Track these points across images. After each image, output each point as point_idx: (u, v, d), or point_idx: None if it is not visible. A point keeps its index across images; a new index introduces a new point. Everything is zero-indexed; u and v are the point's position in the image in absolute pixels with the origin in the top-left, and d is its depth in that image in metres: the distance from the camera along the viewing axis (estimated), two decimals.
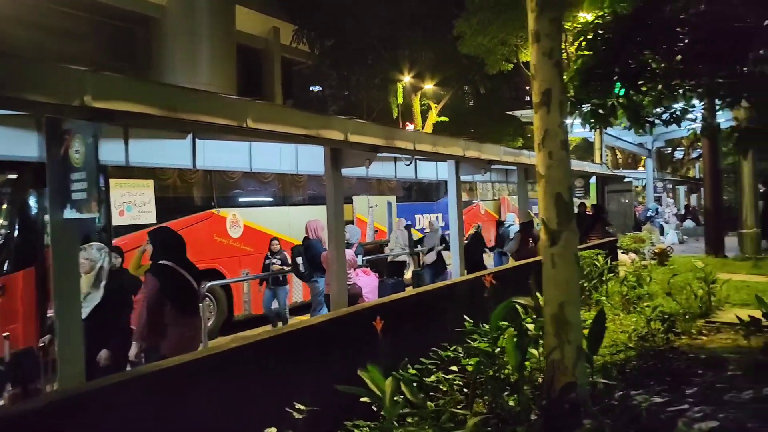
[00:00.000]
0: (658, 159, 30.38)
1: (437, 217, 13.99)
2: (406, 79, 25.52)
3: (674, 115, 5.71)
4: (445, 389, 3.91)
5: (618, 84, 4.74)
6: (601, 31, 4.40)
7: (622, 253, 10.61)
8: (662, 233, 17.14)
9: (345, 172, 6.12)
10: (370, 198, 11.87)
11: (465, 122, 27.88)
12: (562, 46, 4.83)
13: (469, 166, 8.07)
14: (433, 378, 3.90)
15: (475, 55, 20.11)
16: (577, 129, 17.29)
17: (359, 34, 23.52)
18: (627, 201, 12.83)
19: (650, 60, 4.47)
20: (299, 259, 7.58)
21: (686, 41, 4.07)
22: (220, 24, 19.21)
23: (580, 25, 4.72)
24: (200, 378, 2.80)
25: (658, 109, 5.77)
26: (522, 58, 19.28)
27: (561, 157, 3.50)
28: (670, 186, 20.54)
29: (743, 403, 3.11)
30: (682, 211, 21.52)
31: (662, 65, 4.39)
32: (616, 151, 22.65)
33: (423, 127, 27.52)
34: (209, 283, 7.26)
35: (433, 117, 27.71)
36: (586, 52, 4.53)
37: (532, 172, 10.06)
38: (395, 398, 2.92)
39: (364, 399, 3.01)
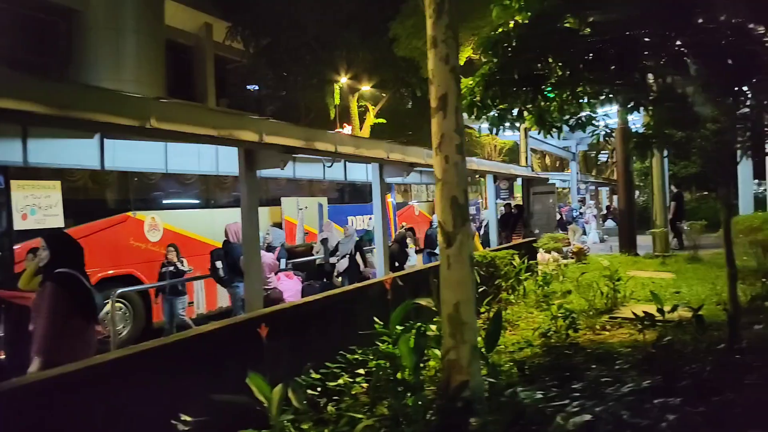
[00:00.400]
0: (584, 162, 31.83)
1: (370, 219, 14.05)
2: (344, 80, 25.48)
3: (579, 121, 5.98)
4: (354, 392, 3.92)
5: (523, 89, 4.89)
6: (504, 38, 4.53)
7: (545, 252, 10.98)
8: (585, 233, 17.95)
9: (272, 172, 6.04)
10: (299, 200, 11.76)
11: (403, 124, 28.12)
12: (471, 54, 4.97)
13: (393, 168, 8.13)
14: (341, 381, 3.90)
15: (411, 58, 20.33)
16: (507, 132, 17.84)
17: (295, 34, 23.26)
18: (551, 202, 13.34)
19: (551, 66, 4.63)
20: (219, 263, 7.40)
21: (582, 50, 4.24)
22: (147, 18, 18.45)
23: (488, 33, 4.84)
24: (75, 392, 2.66)
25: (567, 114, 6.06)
26: (462, 62, 19.65)
27: (456, 161, 3.57)
28: (593, 188, 21.55)
29: (622, 396, 3.28)
30: (605, 212, 22.66)
31: (561, 72, 4.56)
32: (545, 154, 23.58)
33: (361, 128, 27.58)
34: (121, 290, 6.96)
35: (370, 119, 27.80)
36: (490, 58, 4.65)
37: None
38: (285, 405, 2.88)
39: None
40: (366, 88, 26.01)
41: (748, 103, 5.48)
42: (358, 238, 9.77)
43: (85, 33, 17.38)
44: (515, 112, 5.32)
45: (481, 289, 6.62)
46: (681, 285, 7.63)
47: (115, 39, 17.49)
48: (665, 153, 13.28)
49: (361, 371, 3.99)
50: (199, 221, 9.09)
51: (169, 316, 7.78)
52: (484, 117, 5.02)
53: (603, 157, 35.17)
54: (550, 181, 13.60)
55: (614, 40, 4.20)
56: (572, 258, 10.39)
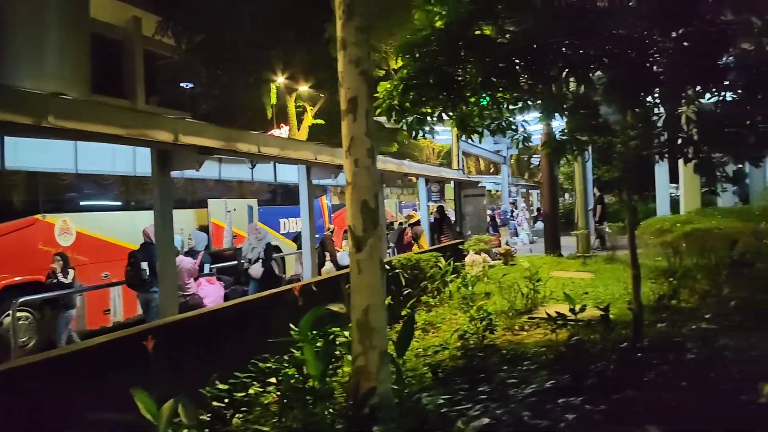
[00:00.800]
0: (516, 165, 32.86)
1: (297, 222, 13.85)
2: (280, 80, 25.08)
3: (500, 126, 6.09)
4: (266, 402, 3.80)
5: (443, 94, 4.91)
6: (422, 43, 4.54)
7: (476, 253, 11.18)
8: (517, 234, 18.51)
9: (198, 173, 5.82)
10: (227, 201, 11.43)
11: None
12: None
13: (321, 170, 8.02)
14: (251, 391, 3.76)
15: None
16: (440, 136, 18.03)
17: (230, 31, 22.66)
18: (484, 204, 13.62)
19: (469, 72, 4.67)
20: (144, 264, 6.98)
21: (495, 57, 4.30)
22: (71, 11, 17.39)
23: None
24: None
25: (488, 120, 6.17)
26: (393, 66, 19.75)
27: (367, 165, 3.53)
28: (524, 190, 22.28)
29: (526, 397, 3.33)
30: (535, 213, 23.50)
31: (476, 79, 4.62)
32: (479, 158, 24.14)
33: (299, 129, 27.24)
34: (23, 299, 6.50)
35: (308, 119, 27.50)
36: (408, 62, 4.65)
37: (388, 177, 10.34)
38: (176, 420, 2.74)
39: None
40: (304, 88, 25.71)
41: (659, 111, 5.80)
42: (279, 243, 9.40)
43: (4, 26, 16.17)
44: (436, 116, 5.36)
45: (405, 292, 6.64)
46: (598, 284, 7.94)
47: (37, 33, 16.37)
48: (587, 158, 13.92)
49: (274, 380, 3.87)
50: (117, 224, 8.65)
51: (61, 329, 7.23)
52: (403, 121, 5.00)
53: (536, 161, 36.46)
54: (481, 184, 13.95)
55: (525, 48, 4.29)
56: (500, 259, 10.63)
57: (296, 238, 13.29)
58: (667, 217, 8.45)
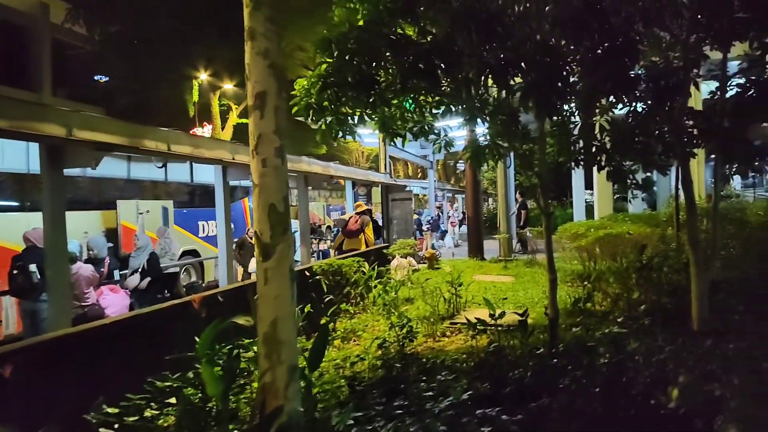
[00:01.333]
0: (444, 171, 33.44)
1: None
2: (203, 76, 24.12)
3: (423, 130, 6.00)
4: (165, 425, 3.44)
5: (363, 94, 4.72)
6: (340, 40, 4.34)
7: (401, 257, 11.10)
8: (443, 237, 18.72)
9: (104, 171, 5.29)
10: (139, 203, 10.71)
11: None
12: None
13: (239, 171, 7.63)
14: (147, 414, 3.39)
15: None
16: (369, 139, 17.90)
17: (148, 23, 21.48)
18: (411, 208, 13.62)
19: (386, 72, 4.52)
20: (33, 267, 6.26)
21: (412, 58, 4.18)
22: None
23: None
24: None
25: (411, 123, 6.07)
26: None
27: (276, 165, 3.27)
28: (451, 194, 22.64)
29: (442, 410, 3.20)
30: (460, 217, 23.96)
31: (393, 79, 4.48)
32: (408, 163, 24.33)
33: (223, 129, 26.28)
34: None
35: (233, 119, 26.61)
36: (326, 59, 4.43)
37: (313, 179, 10.05)
38: None
39: None
40: (228, 86, 24.84)
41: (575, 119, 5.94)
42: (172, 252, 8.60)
43: None
44: (357, 117, 5.18)
45: (327, 299, 6.40)
46: (518, 288, 8.06)
47: None
48: (509, 163, 14.29)
49: (173, 401, 3.52)
50: (6, 226, 7.82)
51: None
52: (321, 120, 4.77)
53: (462, 166, 37.26)
54: (408, 188, 13.95)
55: (444, 49, 4.19)
56: (425, 263, 10.62)
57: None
58: (582, 222, 8.74)
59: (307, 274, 6.24)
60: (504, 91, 5.76)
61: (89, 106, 21.88)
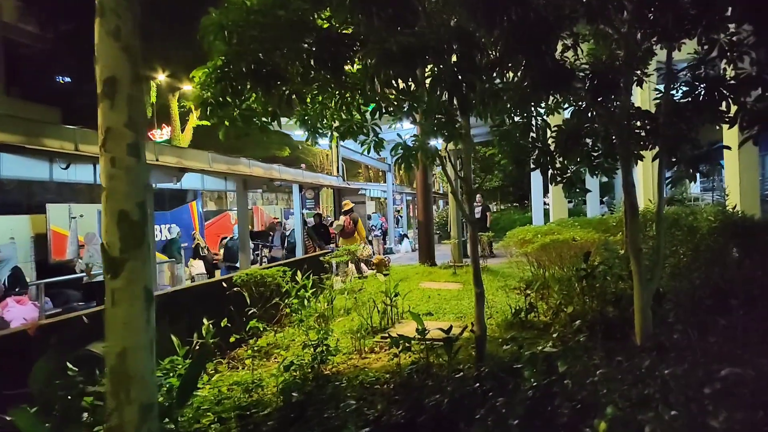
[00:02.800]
0: (406, 175, 32.96)
1: (170, 228, 12.54)
2: (161, 77, 23.20)
3: (350, 129, 5.50)
4: None
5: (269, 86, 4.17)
6: (235, 25, 3.78)
7: (352, 263, 10.56)
8: (401, 242, 18.24)
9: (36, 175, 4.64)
10: (72, 206, 9.93)
11: (232, 128, 26.32)
12: None
13: (161, 173, 7.00)
14: None
15: None
16: (324, 141, 17.38)
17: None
18: (365, 213, 13.09)
19: (282, 61, 3.96)
20: None
21: (315, 45, 3.65)
22: None
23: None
24: None
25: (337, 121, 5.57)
26: None
27: (129, 166, 2.70)
28: (410, 198, 22.20)
29: None
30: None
31: (295, 70, 3.95)
32: (368, 166, 23.77)
33: (182, 131, 25.34)
34: None
35: (193, 121, 25.69)
36: (218, 47, 3.86)
37: (252, 182, 9.46)
38: None
39: None
40: (188, 87, 23.95)
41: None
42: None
43: None
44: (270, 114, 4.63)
45: (250, 312, 5.83)
46: (463, 296, 7.60)
47: None
48: (459, 165, 13.89)
49: None
50: None
51: None
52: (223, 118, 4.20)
53: None
54: (362, 191, 13.38)
55: (341, 36, 3.67)
56: (373, 269, 10.10)
57: (165, 247, 11.97)
58: (530, 227, 8.36)
59: (225, 285, 5.65)
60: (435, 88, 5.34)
61: (44, 107, 20.80)
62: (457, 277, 9.24)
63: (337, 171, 12.57)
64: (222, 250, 11.64)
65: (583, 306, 5.59)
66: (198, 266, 11.12)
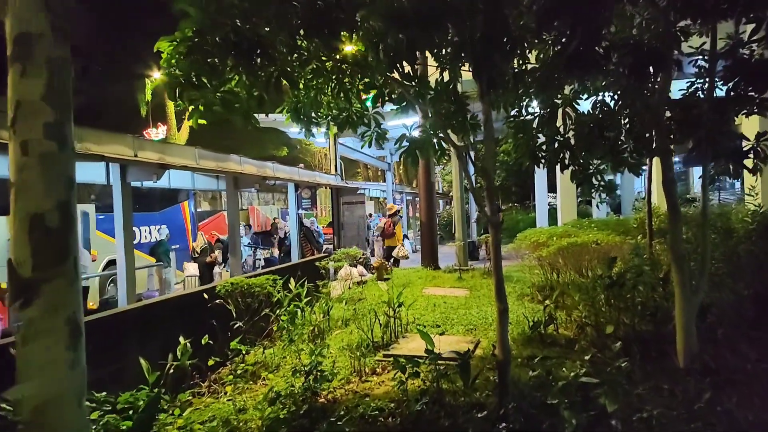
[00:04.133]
0: (405, 173, 32.21)
1: (160, 230, 11.79)
2: (157, 75, 22.42)
3: (349, 119, 4.80)
4: None
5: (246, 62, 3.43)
6: None
7: (351, 265, 9.82)
8: (402, 242, 17.48)
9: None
10: None
11: (228, 127, 25.56)
12: None
13: (140, 170, 6.26)
14: None
15: None
16: (321, 139, 16.56)
17: (92, 16, 19.76)
18: (364, 213, 12.39)
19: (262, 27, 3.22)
20: None
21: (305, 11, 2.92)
22: None
23: None
24: None
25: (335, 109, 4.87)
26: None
27: (46, 153, 1.97)
28: (410, 197, 21.44)
29: None
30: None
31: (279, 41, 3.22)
32: (367, 165, 23.05)
33: (179, 130, 24.57)
34: None
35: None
36: (193, 11, 3.12)
37: (244, 181, 8.72)
38: None
39: None
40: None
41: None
42: None
43: None
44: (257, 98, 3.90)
45: (235, 326, 5.09)
46: (472, 305, 6.86)
47: None
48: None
49: None
50: None
51: None
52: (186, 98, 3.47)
53: None
54: (361, 191, 12.65)
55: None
56: (373, 273, 9.37)
57: (153, 249, 11.24)
58: (544, 229, 7.63)
59: (206, 297, 4.92)
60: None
61: None
62: (463, 282, 8.51)
63: (335, 169, 11.84)
64: (218, 252, 10.90)
65: (611, 319, 4.86)
66: (189, 267, 10.35)
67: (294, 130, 16.15)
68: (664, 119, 4.32)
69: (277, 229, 12.90)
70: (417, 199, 25.39)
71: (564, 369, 4.04)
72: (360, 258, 9.11)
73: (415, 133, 4.74)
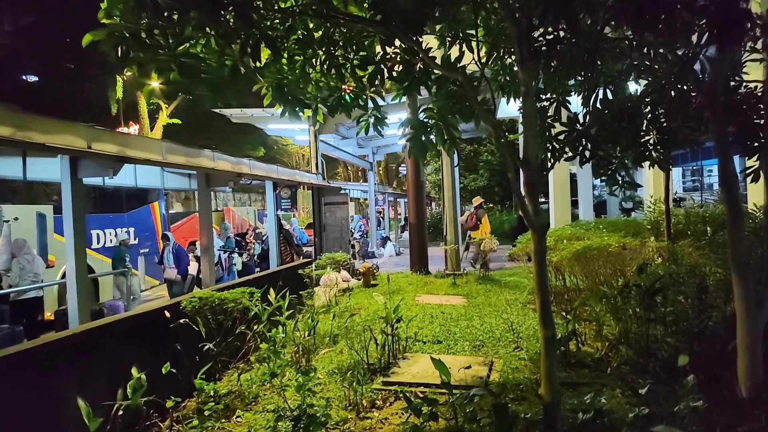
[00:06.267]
0: (385, 173, 31.35)
1: (128, 232, 10.67)
2: (128, 72, 21.10)
3: (342, 101, 3.96)
4: None
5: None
6: None
7: (335, 271, 8.91)
8: (384, 244, 16.62)
9: None
10: (3, 208, 8.04)
11: (203, 127, 24.31)
12: None
13: (96, 164, 5.25)
14: None
15: None
16: (300, 137, 15.54)
17: (65, 13, 18.43)
18: (347, 214, 11.49)
19: None
20: None
21: None
22: None
23: None
24: None
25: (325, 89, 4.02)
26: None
27: None
28: (392, 199, 20.57)
29: None
30: (402, 223, 21.93)
31: None
32: (348, 165, 22.10)
33: (152, 129, 23.23)
34: None
35: (163, 119, 23.60)
36: None
37: (218, 178, 7.74)
38: None
39: None
40: (156, 84, 21.83)
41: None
42: None
43: None
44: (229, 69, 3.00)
45: (205, 347, 4.14)
46: (473, 315, 6.04)
47: None
48: (456, 161, 12.36)
49: None
50: None
51: None
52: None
53: (404, 170, 35.23)
54: (344, 191, 11.76)
55: None
56: (359, 279, 8.48)
57: (114, 256, 10.12)
58: (550, 230, 6.86)
59: (168, 315, 3.95)
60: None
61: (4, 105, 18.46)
62: (458, 288, 7.69)
63: (316, 168, 10.91)
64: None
65: (644, 335, 4.09)
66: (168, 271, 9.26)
67: (272, 127, 15.17)
68: (720, 100, 3.56)
69: (257, 235, 11.89)
70: (399, 200, 24.68)
71: (603, 399, 3.25)
72: (344, 262, 8.21)
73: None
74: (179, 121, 23.27)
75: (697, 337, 3.82)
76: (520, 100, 4.12)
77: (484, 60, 3.79)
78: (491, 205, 22.47)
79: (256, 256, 10.18)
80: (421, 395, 3.74)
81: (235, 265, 9.72)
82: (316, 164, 11.01)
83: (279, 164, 18.07)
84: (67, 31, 19.64)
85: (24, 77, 24.23)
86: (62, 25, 19.65)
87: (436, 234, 14.40)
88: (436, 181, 19.21)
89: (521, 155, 2.94)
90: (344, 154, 14.93)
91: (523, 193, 2.85)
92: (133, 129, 22.02)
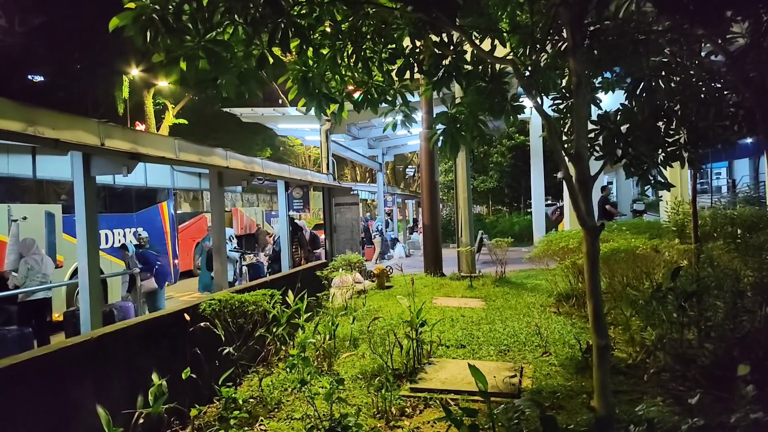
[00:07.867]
0: (393, 174, 31.19)
1: (135, 232, 10.51)
2: (135, 71, 21.04)
3: (369, 96, 3.80)
4: None
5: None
6: None
7: (347, 274, 8.73)
8: (393, 246, 16.43)
9: None
10: (11, 207, 7.89)
11: (211, 127, 24.17)
12: None
13: (107, 162, 5.08)
14: None
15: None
16: (309, 137, 15.38)
17: (76, 13, 18.35)
18: (358, 214, 11.32)
19: None
20: None
21: None
22: None
23: None
24: None
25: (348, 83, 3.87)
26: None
27: None
28: (400, 200, 20.42)
29: None
30: (411, 225, 21.74)
31: None
32: (356, 166, 21.95)
33: (158, 129, 23.11)
34: None
35: (169, 119, 23.51)
36: None
37: (230, 177, 7.58)
38: None
39: None
40: (164, 83, 21.74)
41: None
42: None
43: None
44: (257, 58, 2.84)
45: (224, 351, 3.97)
46: (494, 317, 5.86)
47: None
48: (471, 161, 12.14)
49: None
50: None
51: None
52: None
53: (411, 171, 35.09)
54: (354, 192, 11.58)
55: None
56: (373, 281, 8.30)
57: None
58: (570, 232, 6.66)
59: (187, 318, 3.79)
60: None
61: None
62: (475, 291, 7.50)
63: (327, 168, 10.74)
64: (199, 257, 9.70)
65: (683, 341, 3.90)
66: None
67: (282, 127, 15.00)
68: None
69: (265, 237, 11.69)
70: (407, 201, 24.52)
71: (644, 406, 3.06)
72: (358, 264, 8.04)
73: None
74: (186, 122, 23.16)
75: (739, 344, 3.63)
76: (550, 98, 3.99)
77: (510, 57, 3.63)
78: (500, 207, 22.32)
79: (268, 257, 10.00)
80: (452, 403, 3.58)
81: (244, 266, 9.55)
82: (327, 164, 10.85)
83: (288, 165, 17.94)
84: (75, 31, 19.56)
85: (33, 77, 24.16)
86: (71, 25, 19.57)
87: (446, 236, 14.23)
88: (445, 182, 19.06)
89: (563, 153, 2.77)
90: (355, 155, 14.77)
91: (575, 191, 2.67)
92: (140, 128, 21.91)
